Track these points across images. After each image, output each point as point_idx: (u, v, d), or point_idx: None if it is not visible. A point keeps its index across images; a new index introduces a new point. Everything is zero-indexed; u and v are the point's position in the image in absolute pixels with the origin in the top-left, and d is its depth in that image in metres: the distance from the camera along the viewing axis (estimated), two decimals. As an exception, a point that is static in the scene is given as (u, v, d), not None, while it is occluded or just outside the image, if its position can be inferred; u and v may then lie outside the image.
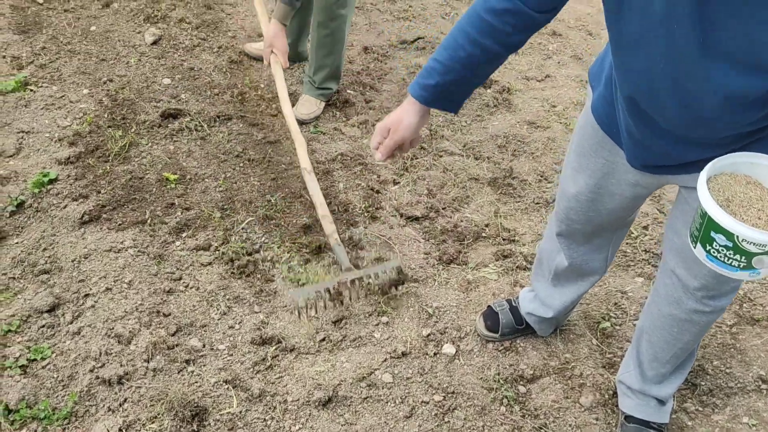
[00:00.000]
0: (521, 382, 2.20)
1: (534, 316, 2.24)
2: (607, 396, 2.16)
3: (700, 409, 2.18)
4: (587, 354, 2.31)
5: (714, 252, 1.28)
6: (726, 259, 1.26)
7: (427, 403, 2.13)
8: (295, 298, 2.29)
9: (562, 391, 2.18)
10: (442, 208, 2.89)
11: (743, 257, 1.24)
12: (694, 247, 1.33)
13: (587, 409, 2.13)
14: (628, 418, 2.03)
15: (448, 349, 2.30)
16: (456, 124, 3.44)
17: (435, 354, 2.28)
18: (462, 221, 2.82)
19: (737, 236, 1.21)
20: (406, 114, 1.59)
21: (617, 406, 2.12)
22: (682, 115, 1.33)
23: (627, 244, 2.79)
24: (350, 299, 2.38)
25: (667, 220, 1.73)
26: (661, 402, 2.00)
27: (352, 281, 2.33)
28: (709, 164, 1.31)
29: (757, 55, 1.11)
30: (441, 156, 3.20)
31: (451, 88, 1.53)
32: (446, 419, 2.09)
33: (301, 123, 3.30)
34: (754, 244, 1.21)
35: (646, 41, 1.23)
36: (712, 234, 1.26)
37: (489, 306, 2.35)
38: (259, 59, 3.76)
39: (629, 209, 1.80)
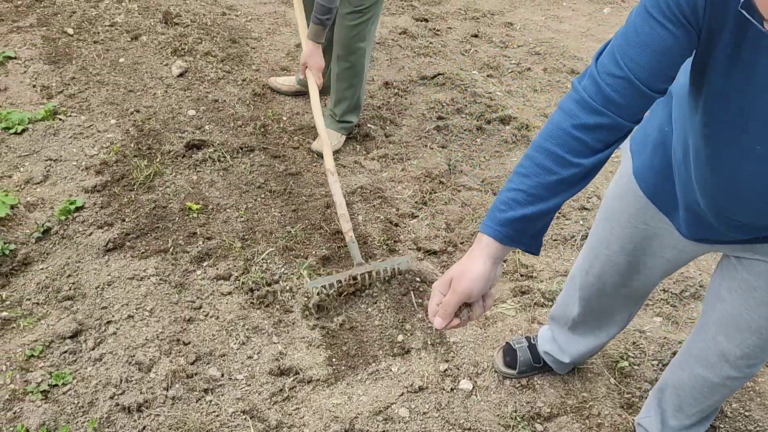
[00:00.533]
0: (538, 420, 2.19)
1: (551, 356, 2.24)
2: (625, 436, 2.15)
3: (720, 452, 2.15)
4: (605, 393, 2.30)
5: None
6: None
7: (444, 438, 2.13)
8: (309, 287, 2.52)
9: (579, 430, 2.17)
10: (461, 243, 2.91)
11: None
12: None
13: (605, 449, 2.12)
14: (647, 461, 2.01)
15: (465, 384, 2.30)
16: (474, 159, 3.47)
17: (452, 389, 2.28)
18: (480, 256, 2.83)
19: None
20: (473, 261, 1.23)
21: (635, 447, 2.10)
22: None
23: (645, 282, 2.78)
24: (362, 287, 2.58)
25: (710, 285, 1.66)
26: None
27: (363, 274, 2.56)
28: None
29: None
30: (459, 191, 3.23)
31: (536, 219, 1.24)
32: (463, 456, 2.08)
33: (322, 156, 3.35)
34: None
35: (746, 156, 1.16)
36: None
37: (508, 342, 2.34)
38: (281, 93, 3.83)
39: (669, 272, 1.72)
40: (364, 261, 2.65)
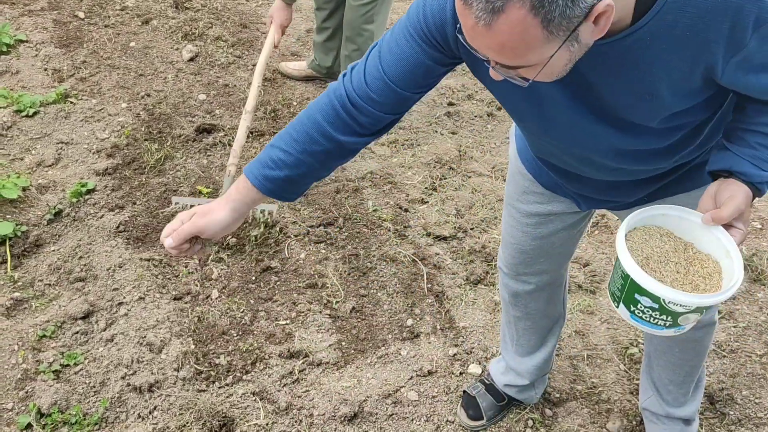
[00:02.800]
0: (547, 405, 2.19)
1: (512, 386, 2.12)
2: (635, 422, 2.15)
3: (729, 439, 2.15)
4: (615, 379, 2.30)
5: (639, 313, 1.24)
6: (652, 319, 1.23)
7: (452, 422, 2.14)
8: (173, 200, 2.67)
9: (588, 415, 2.17)
10: (471, 229, 2.91)
11: (669, 317, 1.21)
12: (617, 307, 1.29)
13: (614, 434, 2.12)
14: (656, 446, 2.02)
15: (475, 369, 2.30)
16: (485, 145, 3.46)
17: (461, 373, 2.29)
18: (490, 242, 2.83)
19: (664, 299, 1.18)
20: (222, 207, 1.34)
21: (644, 432, 2.10)
22: (596, 171, 1.44)
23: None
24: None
25: None
26: (687, 422, 1.99)
27: None
28: (624, 222, 1.28)
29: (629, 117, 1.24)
30: (470, 177, 3.22)
31: (297, 181, 1.37)
32: (471, 439, 2.09)
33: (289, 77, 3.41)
34: (680, 305, 1.18)
35: (545, 121, 1.33)
36: (637, 296, 1.22)
37: (464, 391, 2.17)
38: (292, 78, 3.83)
39: (577, 238, 1.81)
40: None
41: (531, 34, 0.96)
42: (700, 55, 1.11)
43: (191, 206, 2.39)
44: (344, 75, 1.36)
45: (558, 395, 2.22)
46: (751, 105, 1.24)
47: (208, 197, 2.90)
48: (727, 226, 1.26)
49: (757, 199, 1.28)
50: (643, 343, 2.43)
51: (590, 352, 2.39)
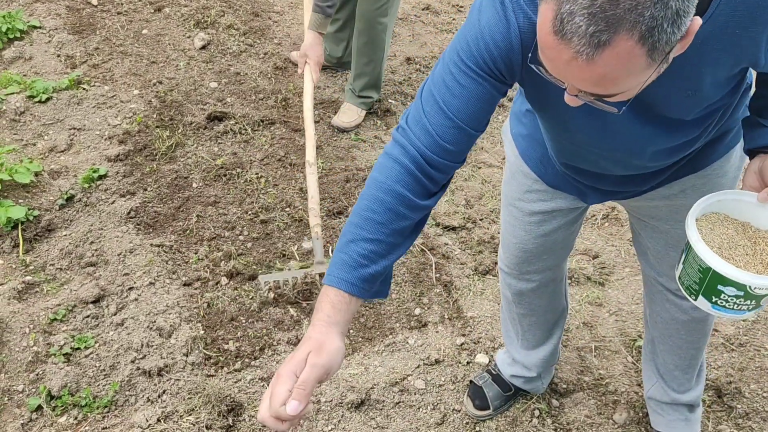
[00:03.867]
0: (554, 396, 2.20)
1: (518, 377, 2.12)
2: (641, 414, 2.15)
3: (736, 432, 2.15)
4: (622, 371, 2.30)
5: (722, 303, 1.25)
6: (736, 306, 1.25)
7: (459, 411, 2.14)
8: (262, 280, 2.43)
9: (595, 406, 2.17)
10: (480, 219, 2.91)
11: (753, 301, 1.23)
12: (695, 300, 1.29)
13: (620, 426, 2.12)
14: (661, 437, 2.02)
15: (482, 358, 2.30)
16: (496, 136, 3.45)
17: (468, 363, 2.29)
18: (499, 233, 2.82)
19: (750, 286, 1.20)
20: (328, 335, 1.11)
21: (651, 424, 2.10)
22: (617, 170, 1.43)
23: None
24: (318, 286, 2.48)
25: (634, 245, 1.81)
26: (692, 408, 1.99)
27: (321, 274, 2.42)
28: (690, 219, 1.28)
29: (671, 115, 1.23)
30: (480, 168, 3.22)
31: (391, 267, 1.24)
32: (477, 428, 2.10)
33: (342, 131, 3.35)
34: (766, 288, 1.20)
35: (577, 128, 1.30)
36: (720, 287, 1.23)
37: (471, 381, 2.17)
38: None
39: (577, 231, 1.82)
40: (325, 260, 2.46)
41: (635, 64, 0.91)
42: (748, 51, 1.12)
43: (293, 278, 2.40)
44: (403, 131, 1.23)
45: (565, 386, 2.22)
46: None
47: (300, 267, 2.57)
48: None
49: None
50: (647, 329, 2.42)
51: (598, 343, 2.38)
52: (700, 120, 1.30)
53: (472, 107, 1.18)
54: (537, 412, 2.14)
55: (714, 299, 1.26)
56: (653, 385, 2.01)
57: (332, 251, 1.46)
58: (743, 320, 1.29)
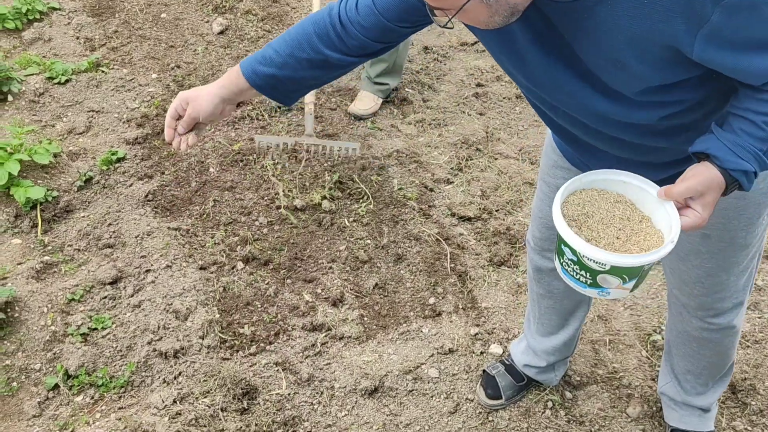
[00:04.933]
0: (568, 388, 2.20)
1: (531, 367, 2.12)
2: (655, 408, 2.14)
3: (749, 428, 2.14)
4: (636, 365, 2.29)
5: (566, 265, 1.27)
6: (575, 273, 1.25)
7: (472, 400, 2.15)
8: (259, 141, 2.90)
9: (609, 399, 2.17)
10: (495, 210, 2.90)
11: (588, 273, 1.23)
12: (554, 260, 1.34)
13: (634, 419, 2.12)
14: (674, 431, 2.02)
15: (496, 349, 2.31)
16: (513, 128, 3.44)
17: (482, 353, 2.30)
18: (515, 224, 2.82)
19: (579, 251, 1.20)
20: (210, 91, 1.46)
21: (663, 419, 2.10)
22: (593, 138, 1.42)
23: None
24: (305, 159, 2.92)
25: None
26: (705, 410, 1.98)
27: (309, 145, 2.90)
28: (579, 176, 1.31)
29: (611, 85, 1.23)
30: (496, 158, 3.21)
31: (285, 82, 1.46)
32: (490, 418, 2.10)
33: (359, 119, 3.35)
34: (594, 261, 1.19)
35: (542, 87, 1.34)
36: (563, 247, 1.25)
37: (484, 371, 2.17)
38: None
39: None
40: (313, 133, 2.95)
41: None
42: (661, 26, 1.08)
43: (276, 145, 2.89)
44: None
45: (579, 378, 2.22)
46: (742, 89, 1.19)
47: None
48: (686, 207, 1.24)
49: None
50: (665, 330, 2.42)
51: (612, 337, 2.38)
52: (653, 105, 1.25)
53: (395, 6, 1.34)
54: (550, 404, 2.14)
55: (561, 260, 1.28)
56: (667, 383, 2.01)
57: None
58: (588, 294, 1.27)
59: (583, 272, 1.23)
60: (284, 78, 1.45)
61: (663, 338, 2.38)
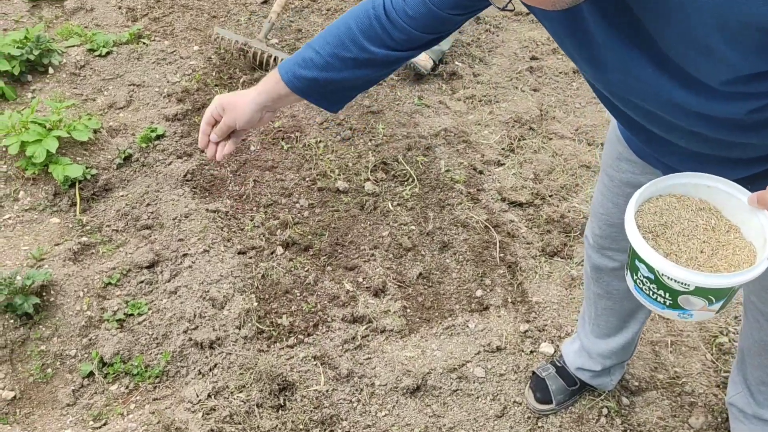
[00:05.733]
0: (625, 394, 2.05)
1: (584, 371, 1.98)
2: (720, 419, 1.98)
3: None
4: (700, 370, 2.13)
5: (640, 283, 1.10)
6: (650, 293, 1.09)
7: (520, 404, 2.02)
8: (217, 32, 3.22)
9: (669, 408, 2.02)
10: (549, 196, 2.73)
11: (667, 293, 1.06)
12: (626, 275, 1.16)
13: (696, 431, 1.96)
14: (743, 447, 1.86)
15: (547, 348, 2.17)
16: (569, 105, 3.23)
17: (532, 352, 2.16)
18: (570, 211, 2.65)
19: (658, 269, 1.03)
20: (247, 99, 1.37)
21: (730, 431, 1.94)
22: (668, 132, 1.25)
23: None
24: (249, 59, 3.18)
25: None
26: None
27: (254, 49, 3.14)
28: (657, 179, 1.14)
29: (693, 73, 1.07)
30: (551, 139, 3.02)
31: (327, 84, 1.35)
32: (539, 424, 1.98)
33: (417, 74, 3.25)
34: (675, 281, 1.02)
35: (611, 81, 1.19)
36: (637, 262, 1.08)
37: (533, 372, 2.06)
38: None
39: None
40: (264, 40, 3.17)
41: None
42: (764, 9, 0.91)
43: (235, 41, 3.14)
44: None
45: (637, 383, 2.07)
46: None
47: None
48: None
49: None
50: (734, 333, 2.24)
51: (674, 338, 2.21)
52: (741, 96, 1.08)
53: None
54: (605, 411, 2.00)
55: (634, 276, 1.11)
56: (738, 393, 1.84)
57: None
58: (667, 317, 1.09)
59: (661, 292, 1.07)
60: (327, 80, 1.34)
61: (729, 340, 2.21)
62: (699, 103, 1.12)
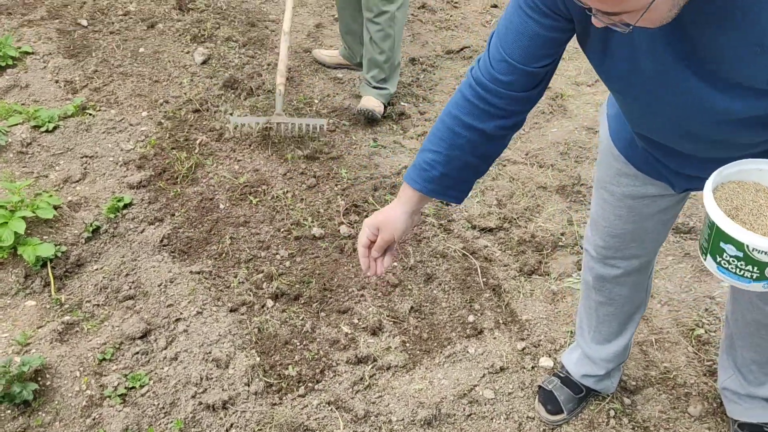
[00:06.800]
0: (625, 394, 2.18)
1: (589, 377, 2.09)
2: (715, 405, 2.14)
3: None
4: (686, 362, 2.29)
5: (725, 264, 1.23)
6: (738, 270, 1.22)
7: (533, 418, 2.11)
8: (234, 122, 3.14)
9: (668, 401, 2.15)
10: (515, 218, 2.88)
11: (755, 267, 1.20)
12: (705, 260, 1.29)
13: (697, 419, 2.11)
14: (741, 425, 2.01)
15: (546, 362, 2.27)
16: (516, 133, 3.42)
17: (533, 367, 2.26)
18: (538, 231, 2.80)
19: (747, 245, 1.17)
20: (395, 211, 1.47)
21: (726, 414, 2.09)
22: (697, 147, 1.39)
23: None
24: (275, 136, 3.17)
25: None
26: None
27: (279, 123, 3.11)
28: (715, 172, 1.28)
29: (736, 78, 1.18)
30: (505, 165, 3.19)
31: (456, 175, 1.45)
32: (555, 434, 2.07)
33: (369, 118, 3.35)
34: (765, 253, 1.16)
35: (643, 94, 1.30)
36: (722, 244, 1.21)
37: (540, 386, 2.15)
38: (326, 65, 3.85)
39: (669, 224, 1.78)
40: (283, 113, 3.15)
41: None
42: None
43: (256, 123, 3.13)
44: (471, 67, 1.42)
45: (634, 383, 2.20)
46: None
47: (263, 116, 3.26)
48: None
49: None
50: (708, 324, 2.42)
51: (657, 336, 2.37)
52: None
53: (518, 42, 1.31)
54: (612, 412, 2.11)
55: (718, 259, 1.24)
56: (729, 377, 2.00)
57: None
58: (752, 290, 1.25)
59: (749, 267, 1.20)
60: (453, 172, 1.43)
61: (706, 332, 2.39)
62: (742, 108, 1.22)
